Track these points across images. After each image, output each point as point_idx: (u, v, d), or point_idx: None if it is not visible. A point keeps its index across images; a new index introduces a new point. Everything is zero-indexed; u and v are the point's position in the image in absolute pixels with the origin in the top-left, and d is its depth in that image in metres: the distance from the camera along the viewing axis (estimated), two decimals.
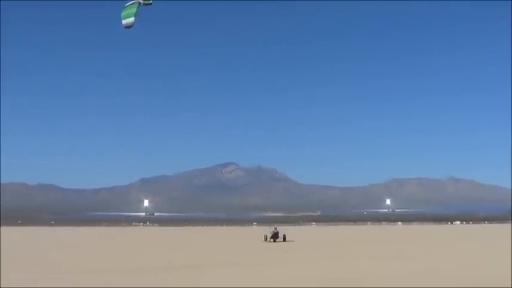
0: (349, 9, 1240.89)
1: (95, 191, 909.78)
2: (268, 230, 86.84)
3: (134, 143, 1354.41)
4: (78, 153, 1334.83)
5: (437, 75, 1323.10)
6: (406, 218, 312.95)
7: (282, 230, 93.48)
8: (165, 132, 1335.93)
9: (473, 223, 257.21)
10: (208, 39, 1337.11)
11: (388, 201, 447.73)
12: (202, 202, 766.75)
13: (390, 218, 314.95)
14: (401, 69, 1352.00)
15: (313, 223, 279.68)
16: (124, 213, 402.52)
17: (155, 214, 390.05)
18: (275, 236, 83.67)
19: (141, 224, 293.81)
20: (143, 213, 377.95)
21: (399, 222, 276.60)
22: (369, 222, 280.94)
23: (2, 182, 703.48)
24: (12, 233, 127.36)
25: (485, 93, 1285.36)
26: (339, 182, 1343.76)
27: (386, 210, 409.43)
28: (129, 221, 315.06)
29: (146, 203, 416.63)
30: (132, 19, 34.25)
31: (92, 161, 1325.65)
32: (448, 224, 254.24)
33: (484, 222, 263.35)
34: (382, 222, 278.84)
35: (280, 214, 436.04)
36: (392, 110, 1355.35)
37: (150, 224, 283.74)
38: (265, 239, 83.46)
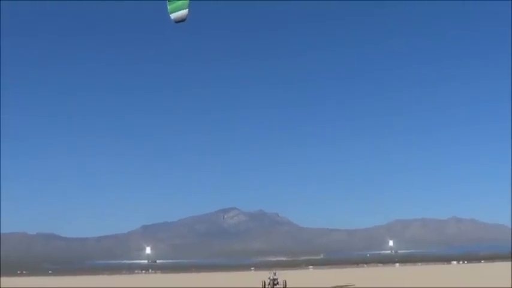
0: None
1: (96, 239, 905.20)
2: (267, 276, 79.87)
3: (135, 189, 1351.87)
4: (78, 201, 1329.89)
5: (438, 126, 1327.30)
6: (409, 259, 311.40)
7: (283, 275, 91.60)
8: (165, 179, 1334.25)
9: (475, 262, 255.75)
10: (210, 80, 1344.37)
11: (391, 243, 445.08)
12: (205, 248, 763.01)
13: (393, 260, 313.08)
14: (400, 104, 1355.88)
15: (310, 267, 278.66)
16: (126, 261, 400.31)
17: (157, 261, 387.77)
18: (274, 283, 77.71)
19: (143, 271, 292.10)
20: (145, 261, 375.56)
21: (396, 264, 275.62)
22: (367, 265, 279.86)
23: (2, 232, 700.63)
24: (12, 284, 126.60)
25: (485, 141, 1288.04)
26: (343, 224, 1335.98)
27: (390, 251, 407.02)
28: (131, 268, 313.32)
29: (148, 250, 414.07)
30: (185, 11, 31.98)
31: (92, 209, 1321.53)
32: (449, 264, 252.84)
33: (481, 261, 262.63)
34: (385, 264, 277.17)
35: (283, 258, 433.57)
36: (395, 153, 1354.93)
37: (153, 272, 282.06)
38: (263, 286, 77.45)
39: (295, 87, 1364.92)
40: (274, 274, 78.95)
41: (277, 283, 77.11)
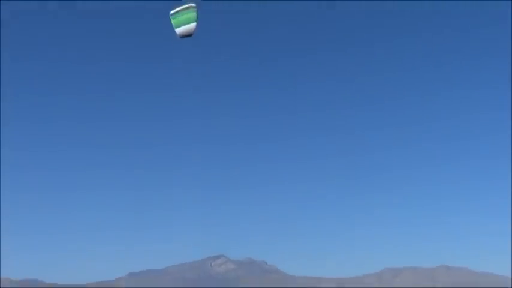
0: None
1: (83, 286, 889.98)
2: None
3: (121, 235, 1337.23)
4: (63, 247, 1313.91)
5: (424, 164, 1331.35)
6: None
7: None
8: (152, 224, 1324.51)
9: None
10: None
11: None
12: None
13: None
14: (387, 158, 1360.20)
15: None
16: None
17: None
18: None
19: None
20: None
21: None
22: None
23: None
24: None
25: (480, 193, 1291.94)
26: (332, 273, 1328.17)
27: None
28: None
29: None
30: (194, 24, 30.03)
31: (79, 255, 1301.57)
32: None
33: None
34: None
35: None
36: (384, 198, 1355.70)
37: None
38: None
39: (287, 144, 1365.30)
40: None
41: None
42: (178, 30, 28.00)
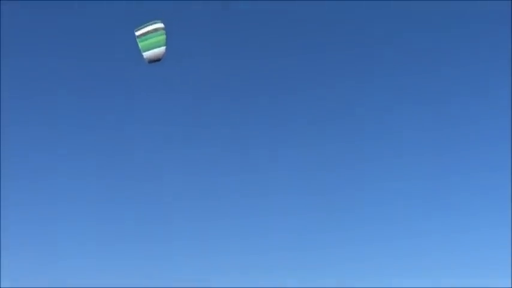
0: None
1: None
2: None
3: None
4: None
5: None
6: None
7: None
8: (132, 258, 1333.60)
9: None
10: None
11: None
12: None
13: None
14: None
15: None
16: None
17: None
18: None
19: None
20: None
21: None
22: None
23: None
24: None
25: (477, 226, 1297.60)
26: None
27: None
28: None
29: None
30: (163, 48, 27.10)
31: None
32: None
33: None
34: None
35: None
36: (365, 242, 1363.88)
37: None
38: None
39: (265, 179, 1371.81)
40: None
41: None
42: (146, 54, 21.96)
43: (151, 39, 28.00)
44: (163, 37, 27.82)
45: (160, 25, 27.80)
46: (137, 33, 28.06)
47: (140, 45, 28.23)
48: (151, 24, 28.01)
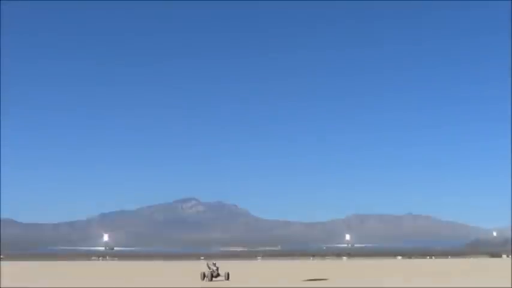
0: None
1: (54, 226, 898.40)
2: (208, 267, 67.50)
3: (94, 177, 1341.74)
4: (36, 187, 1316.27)
5: (400, 111, 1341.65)
6: (364, 253, 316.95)
7: (239, 266, 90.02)
8: (125, 167, 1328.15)
9: (434, 258, 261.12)
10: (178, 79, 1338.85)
11: (347, 237, 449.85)
12: (163, 237, 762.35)
13: (348, 253, 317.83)
14: (366, 104, 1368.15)
15: (259, 258, 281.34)
16: (84, 248, 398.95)
17: (115, 248, 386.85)
18: (213, 274, 65.74)
19: (100, 258, 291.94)
20: (103, 248, 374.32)
21: (343, 258, 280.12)
22: (323, 257, 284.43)
23: None
24: None
25: (446, 142, 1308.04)
26: (301, 217, 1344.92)
27: (346, 245, 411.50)
28: (89, 255, 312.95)
29: (106, 237, 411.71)
30: None
31: (50, 195, 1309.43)
32: (405, 258, 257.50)
33: (431, 257, 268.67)
34: (341, 257, 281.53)
35: (241, 249, 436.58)
36: (353, 146, 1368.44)
37: (110, 259, 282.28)
38: (203, 278, 65.95)
39: (260, 83, 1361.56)
40: (214, 265, 67.50)
41: (218, 275, 66.06)
42: None
43: None
44: None
45: None
46: None
47: None
48: None
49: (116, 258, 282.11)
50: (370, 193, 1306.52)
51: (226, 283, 57.99)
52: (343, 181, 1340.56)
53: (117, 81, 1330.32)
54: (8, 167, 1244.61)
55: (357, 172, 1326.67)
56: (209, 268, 66.12)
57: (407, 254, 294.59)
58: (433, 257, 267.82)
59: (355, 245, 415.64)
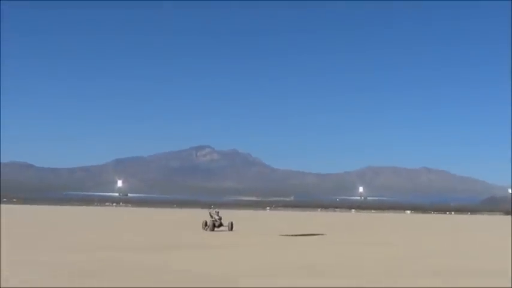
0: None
1: (69, 170, 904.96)
2: (210, 215, 63.07)
3: (110, 123, 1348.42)
4: (53, 132, 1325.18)
5: (416, 68, 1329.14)
6: (375, 206, 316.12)
7: (249, 215, 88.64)
8: (140, 113, 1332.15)
9: (447, 214, 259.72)
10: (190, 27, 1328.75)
11: (361, 189, 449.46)
12: (176, 184, 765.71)
13: (362, 206, 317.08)
14: (381, 60, 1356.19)
15: (268, 208, 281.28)
16: (98, 193, 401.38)
17: (129, 195, 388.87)
18: (215, 224, 61.27)
19: (114, 204, 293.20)
20: (117, 194, 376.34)
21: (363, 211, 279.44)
22: (336, 209, 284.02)
23: None
24: None
25: (463, 88, 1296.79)
26: (314, 168, 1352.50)
27: (359, 197, 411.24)
28: (102, 201, 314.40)
29: (120, 183, 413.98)
30: None
31: (67, 140, 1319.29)
32: (417, 213, 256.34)
33: (451, 213, 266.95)
34: (354, 210, 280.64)
35: (253, 198, 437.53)
36: (369, 100, 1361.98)
37: (123, 205, 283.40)
38: (204, 227, 61.85)
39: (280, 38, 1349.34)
40: (217, 213, 63.05)
41: (221, 224, 61.87)
42: None
43: None
44: None
45: None
46: None
47: None
48: None
49: (130, 205, 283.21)
50: (384, 146, 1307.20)
51: (228, 234, 54.23)
52: (358, 133, 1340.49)
53: (138, 29, 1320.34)
54: (25, 112, 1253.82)
55: (372, 124, 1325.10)
56: (211, 217, 61.89)
57: (421, 208, 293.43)
58: (448, 212, 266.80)
59: (368, 198, 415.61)
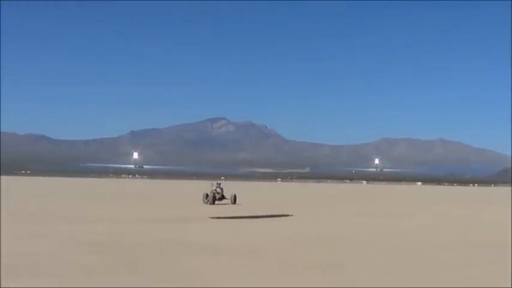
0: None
1: (85, 143, 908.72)
2: (211, 187, 59.53)
3: (124, 94, 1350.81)
4: (68, 104, 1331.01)
5: (429, 31, 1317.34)
6: (393, 178, 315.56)
7: (260, 186, 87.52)
8: (155, 85, 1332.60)
9: (460, 185, 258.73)
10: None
11: (376, 161, 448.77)
12: (192, 156, 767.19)
13: (378, 178, 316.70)
14: (394, 23, 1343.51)
15: (279, 180, 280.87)
16: (114, 165, 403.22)
17: (144, 167, 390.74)
18: (215, 197, 57.48)
19: (130, 176, 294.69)
20: (132, 166, 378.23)
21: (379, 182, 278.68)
22: (352, 181, 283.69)
23: None
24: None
25: (478, 58, 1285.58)
26: (329, 140, 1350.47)
27: (375, 169, 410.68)
28: (119, 172, 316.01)
29: (136, 155, 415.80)
30: None
31: (82, 112, 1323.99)
32: (435, 185, 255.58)
33: (469, 185, 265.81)
34: (370, 181, 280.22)
35: (269, 170, 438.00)
36: (384, 71, 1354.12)
37: (139, 177, 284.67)
38: (204, 200, 57.64)
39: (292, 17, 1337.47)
40: (219, 185, 59.20)
41: (223, 197, 58.17)
42: None
43: None
44: None
45: None
46: None
47: None
48: None
49: (146, 177, 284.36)
50: (399, 117, 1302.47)
51: (230, 208, 50.46)
52: (372, 104, 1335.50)
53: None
54: (39, 83, 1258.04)
55: (387, 95, 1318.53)
56: (213, 190, 57.24)
57: (436, 180, 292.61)
58: (469, 184, 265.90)
59: (384, 170, 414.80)
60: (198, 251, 21.90)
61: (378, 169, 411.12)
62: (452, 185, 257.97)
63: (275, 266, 18.59)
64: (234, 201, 57.71)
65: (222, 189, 58.02)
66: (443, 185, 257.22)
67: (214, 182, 59.66)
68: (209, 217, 38.94)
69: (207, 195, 57.39)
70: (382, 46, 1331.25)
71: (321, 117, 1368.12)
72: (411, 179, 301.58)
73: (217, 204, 55.02)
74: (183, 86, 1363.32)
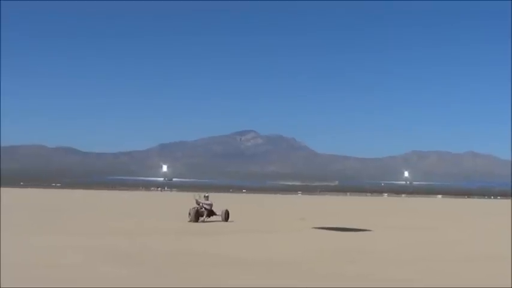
0: None
1: (114, 155, 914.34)
2: (196, 202, 49.98)
3: (153, 107, 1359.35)
4: (97, 117, 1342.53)
5: (456, 45, 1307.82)
6: (425, 191, 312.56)
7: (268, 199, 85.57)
8: (184, 98, 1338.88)
9: (492, 198, 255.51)
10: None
11: (406, 174, 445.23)
12: (220, 169, 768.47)
13: (408, 190, 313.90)
14: (423, 38, 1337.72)
15: (299, 193, 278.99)
16: (143, 178, 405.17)
17: (173, 179, 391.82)
18: (198, 212, 48.58)
19: (159, 189, 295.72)
20: (161, 179, 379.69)
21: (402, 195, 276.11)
22: (381, 194, 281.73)
23: (20, 143, 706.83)
24: (15, 194, 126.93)
25: (508, 71, 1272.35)
26: (358, 152, 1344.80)
27: (404, 182, 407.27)
28: (148, 185, 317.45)
29: (165, 168, 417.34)
30: None
31: (111, 125, 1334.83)
32: (466, 198, 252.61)
33: (497, 197, 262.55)
34: (401, 195, 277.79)
35: (298, 183, 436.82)
36: (414, 82, 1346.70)
37: (168, 190, 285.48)
38: (188, 216, 48.49)
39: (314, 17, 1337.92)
40: (207, 198, 50.25)
41: (212, 213, 49.54)
42: None
43: None
44: None
45: None
46: None
47: None
48: None
49: (175, 189, 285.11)
50: (429, 130, 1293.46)
51: (217, 226, 43.80)
52: (402, 117, 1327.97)
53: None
54: (68, 96, 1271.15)
55: (416, 108, 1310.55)
56: (197, 203, 48.60)
57: (466, 193, 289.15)
58: (492, 197, 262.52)
59: (414, 183, 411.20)
60: (228, 263, 21.83)
61: (408, 182, 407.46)
62: (481, 197, 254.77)
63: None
64: (226, 218, 49.94)
65: (210, 204, 49.81)
66: (471, 197, 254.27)
67: (200, 194, 51.34)
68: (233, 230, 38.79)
69: (192, 211, 48.52)
70: (411, 59, 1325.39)
71: (350, 129, 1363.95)
72: (442, 192, 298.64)
73: (206, 221, 47.93)
74: (211, 99, 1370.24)
